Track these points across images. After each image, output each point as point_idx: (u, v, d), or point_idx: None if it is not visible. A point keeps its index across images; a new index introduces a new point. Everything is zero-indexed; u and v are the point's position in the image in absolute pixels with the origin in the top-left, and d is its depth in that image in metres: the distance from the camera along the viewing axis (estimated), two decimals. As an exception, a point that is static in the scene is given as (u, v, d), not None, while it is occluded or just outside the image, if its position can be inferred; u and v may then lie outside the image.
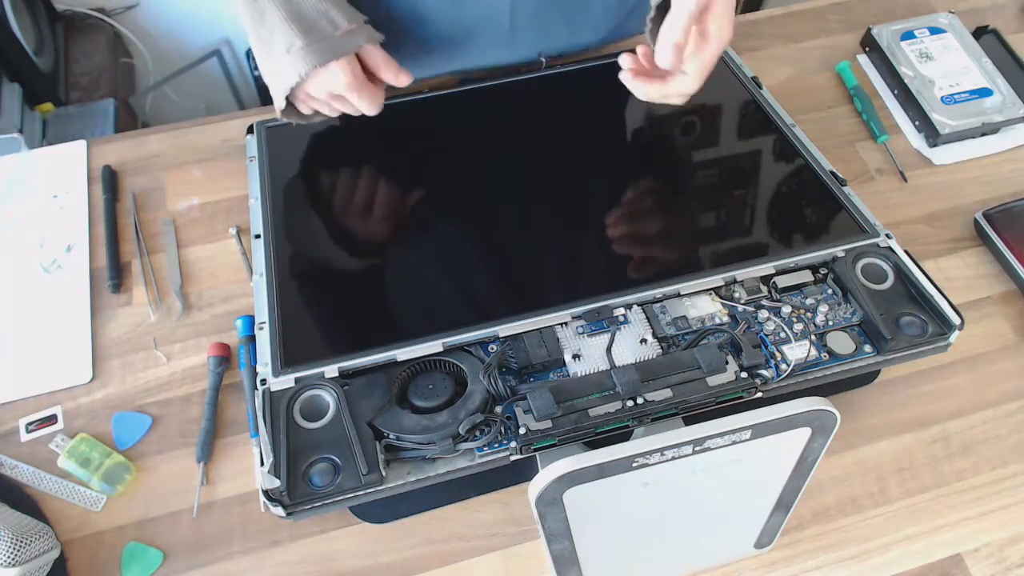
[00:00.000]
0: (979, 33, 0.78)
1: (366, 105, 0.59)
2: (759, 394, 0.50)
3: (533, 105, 0.71)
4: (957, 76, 0.73)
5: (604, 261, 0.59)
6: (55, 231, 0.67)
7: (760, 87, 0.69)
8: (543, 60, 0.75)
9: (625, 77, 0.58)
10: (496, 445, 0.48)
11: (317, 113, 0.61)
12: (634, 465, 0.37)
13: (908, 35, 0.77)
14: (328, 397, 0.50)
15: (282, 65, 0.56)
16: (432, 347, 0.51)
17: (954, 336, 0.52)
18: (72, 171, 0.71)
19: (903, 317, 0.53)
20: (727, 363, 0.49)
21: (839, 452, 0.56)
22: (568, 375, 0.51)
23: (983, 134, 0.72)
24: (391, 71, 0.59)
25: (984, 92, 0.72)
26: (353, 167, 0.65)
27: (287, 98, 0.58)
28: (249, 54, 1.57)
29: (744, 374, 0.49)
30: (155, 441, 0.56)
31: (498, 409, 0.48)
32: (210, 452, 0.55)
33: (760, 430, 0.37)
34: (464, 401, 0.48)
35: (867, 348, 0.52)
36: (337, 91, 0.57)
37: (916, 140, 0.73)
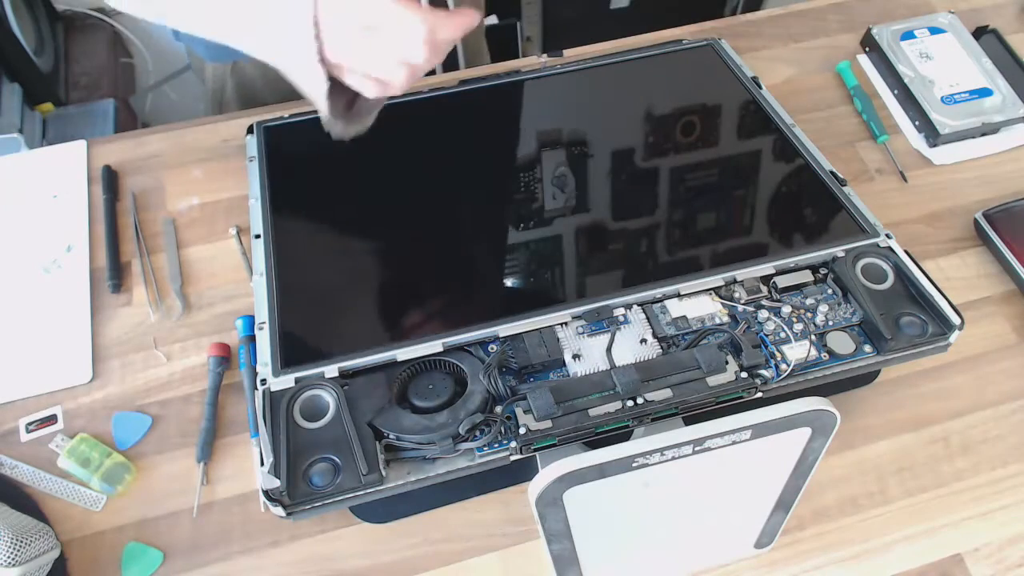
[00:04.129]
0: (979, 33, 0.78)
1: (403, 14, 0.44)
2: (759, 394, 0.50)
3: (533, 104, 0.71)
4: (957, 76, 0.73)
5: (604, 261, 0.59)
6: (55, 231, 0.67)
7: (760, 87, 0.69)
8: (543, 59, 0.75)
9: None
10: (496, 445, 0.48)
11: (364, 107, 0.52)
12: (634, 465, 0.37)
13: (908, 35, 0.77)
14: (328, 397, 0.50)
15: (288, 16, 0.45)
16: (432, 347, 0.51)
17: (954, 336, 0.52)
18: (72, 171, 0.71)
19: (903, 317, 0.53)
20: (727, 363, 0.49)
21: (839, 452, 0.55)
22: (568, 375, 0.51)
23: (983, 134, 0.72)
24: None
25: (984, 92, 0.72)
26: (353, 167, 0.65)
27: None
28: (249, 54, 1.57)
29: (744, 374, 0.49)
30: (155, 441, 0.56)
31: (498, 409, 0.48)
32: (210, 452, 0.55)
33: (760, 430, 0.37)
34: (464, 401, 0.48)
35: (867, 348, 0.52)
36: (376, 16, 0.44)
37: (916, 140, 0.73)
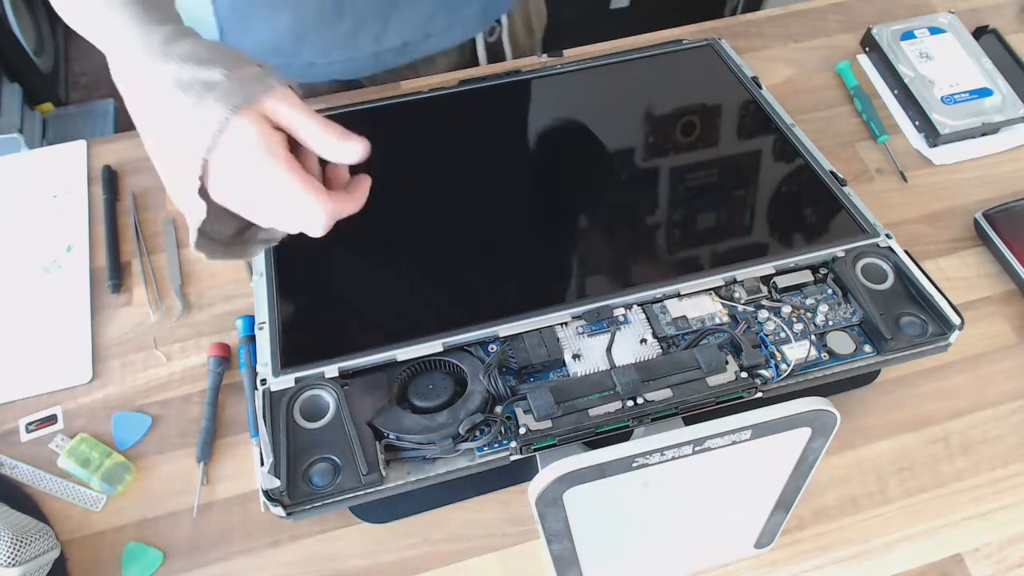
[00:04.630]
0: (979, 33, 0.78)
1: (307, 200, 0.40)
2: (759, 394, 0.50)
3: (533, 104, 0.71)
4: (957, 76, 0.73)
5: (604, 261, 0.59)
6: (55, 231, 0.67)
7: (760, 87, 0.69)
8: (543, 59, 0.75)
9: None
10: (496, 445, 0.48)
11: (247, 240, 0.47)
12: (634, 465, 0.37)
13: (908, 35, 0.77)
14: (328, 397, 0.50)
15: (178, 151, 0.40)
16: (432, 347, 0.51)
17: (954, 336, 0.52)
18: (72, 171, 0.71)
19: (903, 317, 0.53)
20: (727, 363, 0.49)
21: (839, 452, 0.56)
22: (568, 375, 0.51)
23: (983, 134, 0.72)
24: (330, 135, 0.41)
25: (984, 92, 0.72)
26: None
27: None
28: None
29: (744, 374, 0.49)
30: (155, 441, 0.56)
31: (498, 409, 0.48)
32: (210, 452, 0.55)
33: (760, 430, 0.37)
34: (464, 401, 0.48)
35: (867, 348, 0.52)
36: (257, 179, 0.40)
37: (916, 140, 0.73)
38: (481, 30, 0.78)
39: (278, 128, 0.41)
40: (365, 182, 0.46)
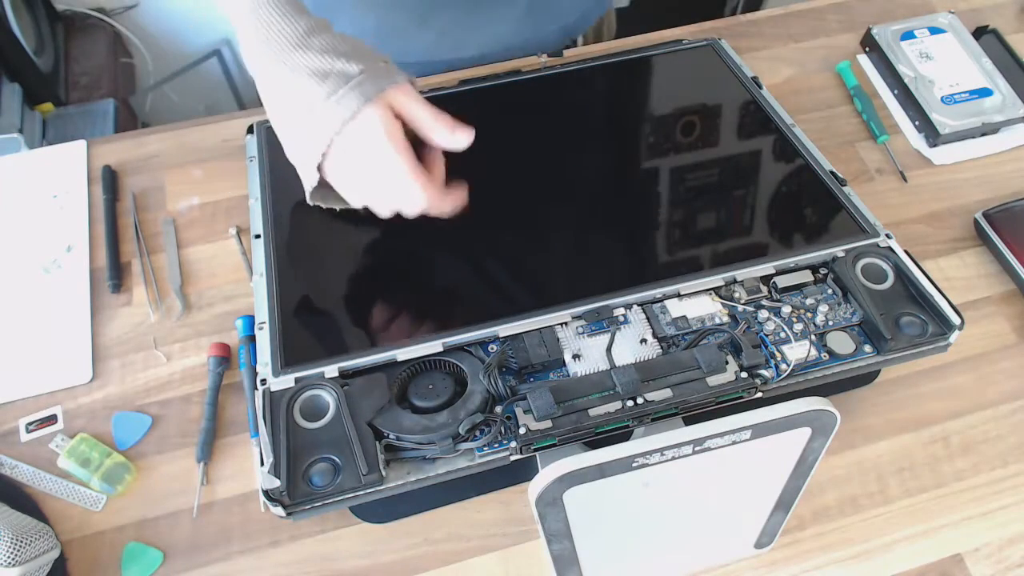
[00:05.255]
0: (979, 33, 0.78)
1: (413, 184, 0.48)
2: (759, 394, 0.50)
3: (533, 105, 0.71)
4: (957, 76, 0.73)
5: (604, 261, 0.59)
6: (55, 231, 0.67)
7: (760, 87, 0.69)
8: (543, 60, 0.75)
9: None
10: (496, 445, 0.48)
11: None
12: (634, 465, 0.37)
13: (908, 35, 0.77)
14: (328, 397, 0.50)
15: (307, 131, 0.47)
16: (432, 347, 0.51)
17: (954, 336, 0.52)
18: (72, 171, 0.71)
19: (903, 317, 0.53)
20: (727, 363, 0.49)
21: (839, 452, 0.56)
22: (568, 375, 0.51)
23: (983, 134, 0.72)
24: (443, 126, 0.48)
25: (984, 92, 0.72)
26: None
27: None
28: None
29: (744, 374, 0.49)
30: (155, 441, 0.56)
31: (498, 409, 0.48)
32: (210, 452, 0.55)
33: (760, 430, 0.37)
34: (464, 401, 0.48)
35: (867, 348, 0.52)
36: (375, 161, 0.47)
37: (916, 140, 0.73)
38: (557, 48, 0.80)
39: (398, 117, 0.47)
40: (462, 190, 0.52)
